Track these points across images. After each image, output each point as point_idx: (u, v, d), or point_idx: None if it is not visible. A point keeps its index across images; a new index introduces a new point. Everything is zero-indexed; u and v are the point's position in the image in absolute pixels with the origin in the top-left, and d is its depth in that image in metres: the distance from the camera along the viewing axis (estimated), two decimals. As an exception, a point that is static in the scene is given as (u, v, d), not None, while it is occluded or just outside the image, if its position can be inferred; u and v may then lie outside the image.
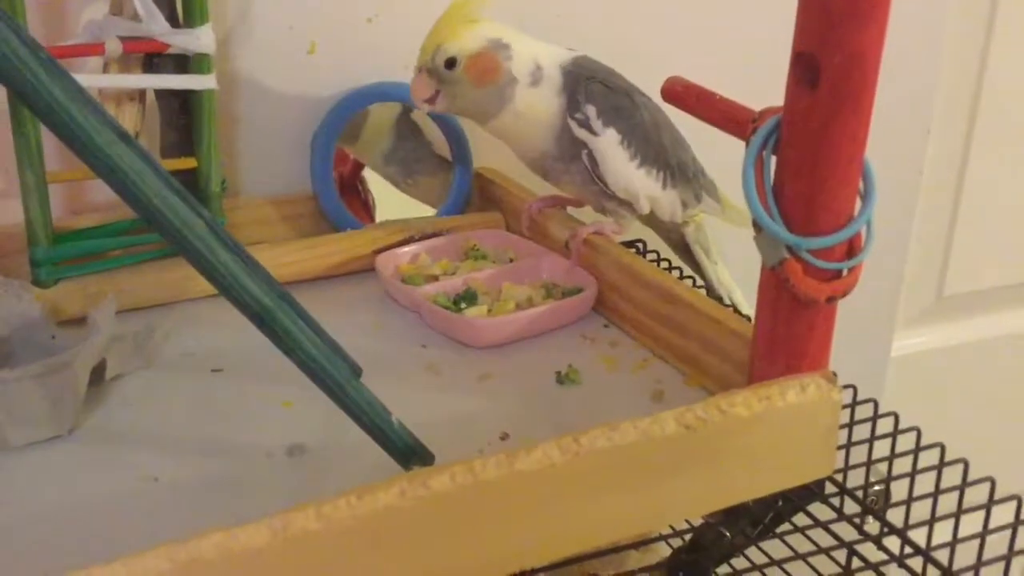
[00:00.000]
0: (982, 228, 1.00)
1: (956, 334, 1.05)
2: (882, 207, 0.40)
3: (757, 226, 0.40)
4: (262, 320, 0.37)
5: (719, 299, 0.64)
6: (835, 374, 0.48)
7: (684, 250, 0.65)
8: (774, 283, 0.41)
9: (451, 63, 0.54)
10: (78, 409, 0.44)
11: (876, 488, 0.49)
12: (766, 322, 0.42)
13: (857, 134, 0.38)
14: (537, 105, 0.56)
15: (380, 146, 0.67)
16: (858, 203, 0.40)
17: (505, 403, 0.48)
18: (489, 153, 0.68)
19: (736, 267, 0.65)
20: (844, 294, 0.40)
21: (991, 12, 0.90)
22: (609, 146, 0.56)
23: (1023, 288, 1.05)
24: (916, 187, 0.88)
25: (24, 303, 0.49)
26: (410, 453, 0.41)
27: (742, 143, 0.42)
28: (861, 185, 0.40)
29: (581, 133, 0.56)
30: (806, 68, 0.37)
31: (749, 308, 0.61)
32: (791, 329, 0.42)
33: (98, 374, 0.47)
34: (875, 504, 0.48)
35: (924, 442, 0.48)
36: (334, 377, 0.39)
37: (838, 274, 0.40)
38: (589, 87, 0.55)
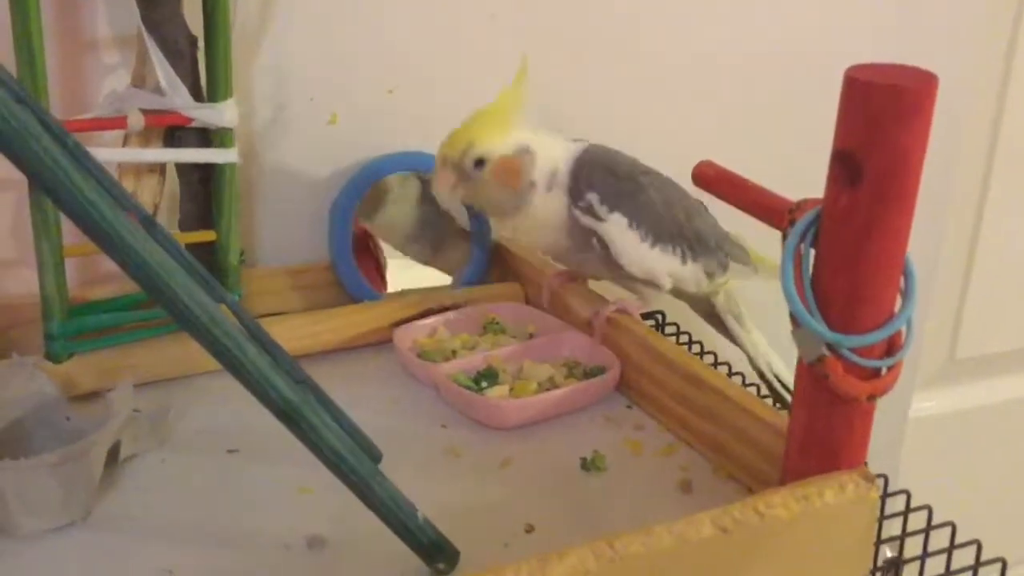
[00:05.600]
0: (995, 291, 0.99)
1: (969, 397, 1.04)
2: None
3: (795, 320, 0.39)
4: (288, 416, 0.36)
5: (760, 371, 0.63)
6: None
7: (716, 320, 0.63)
8: (812, 378, 0.40)
9: (480, 163, 0.54)
10: (92, 496, 0.43)
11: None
12: (803, 417, 0.41)
13: (900, 232, 0.37)
14: (549, 207, 0.56)
15: (403, 228, 0.66)
16: (899, 300, 0.39)
17: (529, 491, 0.47)
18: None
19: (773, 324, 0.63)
20: (884, 392, 0.39)
21: (1005, 76, 0.91)
22: (617, 230, 0.55)
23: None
24: (936, 254, 0.88)
25: (38, 382, 0.48)
26: (435, 550, 0.40)
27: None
28: (902, 282, 0.39)
29: (587, 220, 0.55)
30: (847, 166, 0.36)
31: (790, 373, 0.59)
32: (829, 425, 0.40)
33: (112, 455, 0.46)
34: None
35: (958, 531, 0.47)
36: (360, 473, 0.38)
37: (878, 372, 0.39)
38: (591, 175, 0.55)
